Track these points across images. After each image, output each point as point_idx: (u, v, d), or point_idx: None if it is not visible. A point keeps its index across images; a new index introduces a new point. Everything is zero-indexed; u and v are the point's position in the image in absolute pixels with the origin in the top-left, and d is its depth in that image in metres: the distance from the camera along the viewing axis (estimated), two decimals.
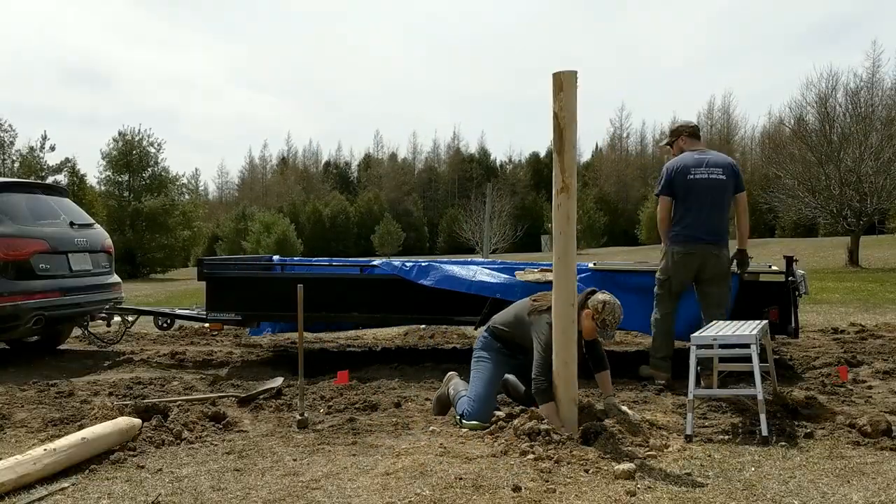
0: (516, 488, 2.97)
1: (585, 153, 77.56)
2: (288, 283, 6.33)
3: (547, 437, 3.53)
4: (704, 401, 4.48)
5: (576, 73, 3.53)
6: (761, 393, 3.67)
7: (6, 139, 36.00)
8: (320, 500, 2.92)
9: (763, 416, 3.65)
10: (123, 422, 3.73)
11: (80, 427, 3.81)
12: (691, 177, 5.08)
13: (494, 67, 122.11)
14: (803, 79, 66.51)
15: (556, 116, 3.54)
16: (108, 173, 36.04)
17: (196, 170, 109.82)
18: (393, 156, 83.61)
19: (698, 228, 5.06)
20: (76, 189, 32.07)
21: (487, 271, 5.84)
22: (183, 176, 42.50)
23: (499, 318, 4.32)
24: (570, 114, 3.53)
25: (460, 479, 3.10)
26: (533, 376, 3.80)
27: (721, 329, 4.13)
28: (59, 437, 3.64)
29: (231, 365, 6.18)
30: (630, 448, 3.47)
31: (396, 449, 3.60)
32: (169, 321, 7.54)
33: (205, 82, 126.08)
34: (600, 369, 4.14)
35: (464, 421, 3.95)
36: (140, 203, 34.63)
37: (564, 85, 3.52)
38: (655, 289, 5.30)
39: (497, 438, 3.68)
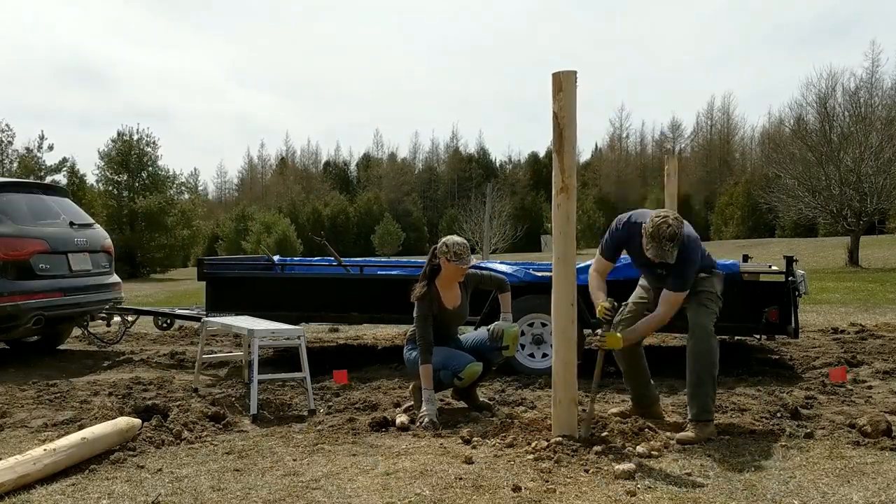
0: (516, 488, 2.97)
1: (585, 153, 77.60)
2: (288, 283, 6.35)
3: (547, 437, 3.54)
4: None
5: (575, 73, 3.53)
6: None
7: (4, 139, 35.97)
8: (320, 500, 2.92)
9: None
10: (123, 422, 3.73)
11: (80, 427, 3.81)
12: None
13: (493, 67, 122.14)
14: (803, 79, 66.51)
15: (555, 116, 3.54)
16: (106, 173, 36.00)
17: (195, 169, 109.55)
18: (392, 156, 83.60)
19: None
20: (76, 189, 32.04)
21: None
22: (181, 174, 42.44)
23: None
24: (570, 114, 3.53)
25: (460, 479, 3.10)
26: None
27: None
28: (59, 437, 3.64)
29: (231, 365, 6.17)
30: (630, 448, 3.47)
31: (396, 449, 3.60)
32: (169, 321, 7.54)
33: (203, 82, 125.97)
34: (503, 291, 4.55)
35: (460, 376, 4.17)
36: (134, 203, 34.55)
37: (564, 85, 3.52)
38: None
39: (497, 438, 3.69)
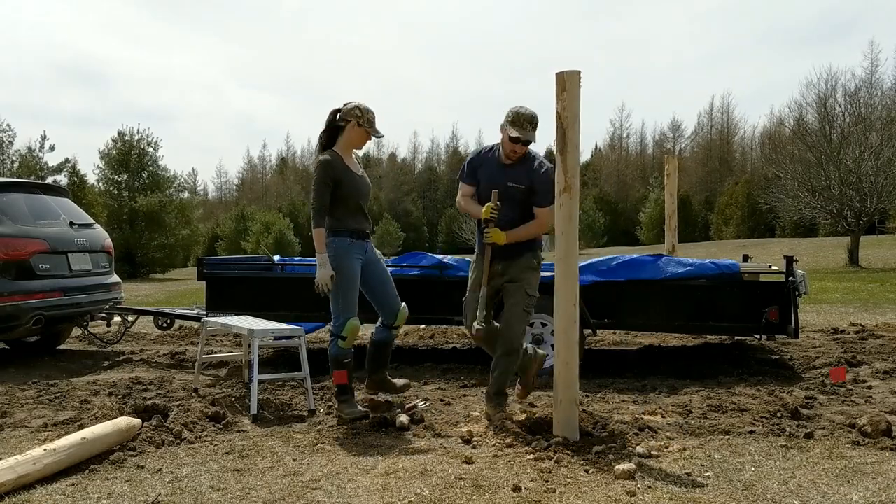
0: (516, 488, 2.97)
1: (585, 153, 77.44)
2: (288, 282, 6.34)
3: (547, 437, 3.54)
4: (705, 400, 4.49)
5: (579, 73, 3.52)
6: None
7: (5, 139, 35.88)
8: (320, 500, 2.91)
9: None
10: (123, 422, 3.72)
11: (80, 427, 3.80)
12: None
13: (493, 67, 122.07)
14: (803, 79, 66.55)
15: (558, 117, 3.54)
16: (106, 173, 35.93)
17: (193, 169, 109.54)
18: (392, 156, 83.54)
19: None
20: (76, 189, 31.99)
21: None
22: (181, 175, 42.36)
23: None
24: (573, 114, 3.53)
25: (460, 479, 3.10)
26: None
27: None
28: (59, 437, 3.64)
29: (231, 365, 6.17)
30: (630, 448, 3.47)
31: (396, 449, 3.60)
32: (169, 321, 7.54)
33: (203, 82, 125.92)
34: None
35: (342, 335, 4.19)
36: (135, 202, 34.50)
37: (568, 85, 3.52)
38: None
39: (497, 438, 3.68)
